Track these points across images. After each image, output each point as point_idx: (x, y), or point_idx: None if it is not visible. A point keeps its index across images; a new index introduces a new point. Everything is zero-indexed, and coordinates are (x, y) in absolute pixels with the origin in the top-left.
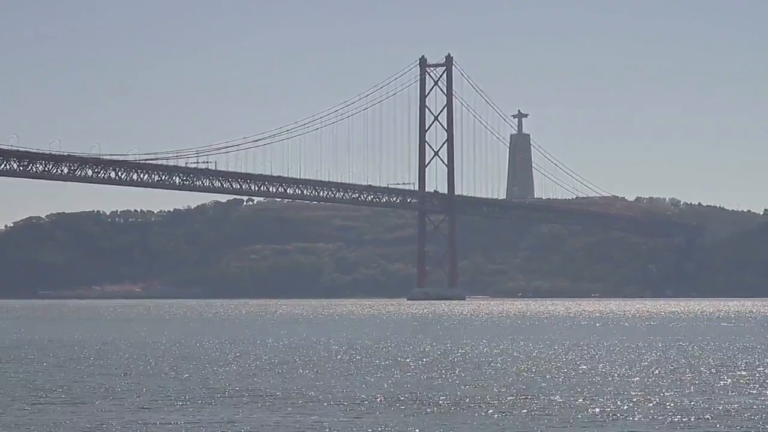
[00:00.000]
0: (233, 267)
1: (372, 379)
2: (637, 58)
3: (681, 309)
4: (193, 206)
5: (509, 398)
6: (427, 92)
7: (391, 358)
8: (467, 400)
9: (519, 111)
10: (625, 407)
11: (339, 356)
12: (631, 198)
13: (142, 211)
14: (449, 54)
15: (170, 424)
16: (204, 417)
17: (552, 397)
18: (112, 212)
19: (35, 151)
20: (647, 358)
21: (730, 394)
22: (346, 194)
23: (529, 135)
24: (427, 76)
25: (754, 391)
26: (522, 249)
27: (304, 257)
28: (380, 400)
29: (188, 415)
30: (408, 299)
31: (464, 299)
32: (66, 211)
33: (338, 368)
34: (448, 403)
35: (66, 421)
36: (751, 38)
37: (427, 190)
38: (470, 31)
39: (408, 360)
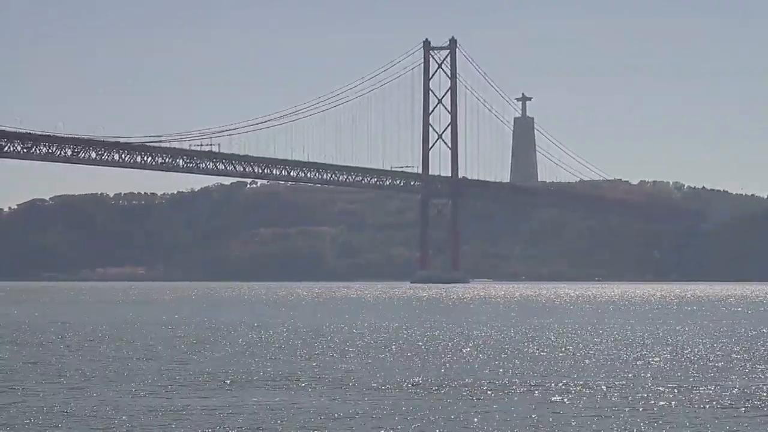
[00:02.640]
0: (236, 250)
1: (384, 362)
2: (641, 42)
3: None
4: (196, 189)
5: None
6: (431, 75)
7: (398, 342)
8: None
9: (523, 94)
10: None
11: (356, 339)
12: (634, 182)
13: (145, 193)
14: (453, 37)
15: (186, 408)
16: (216, 401)
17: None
18: (116, 195)
19: (39, 133)
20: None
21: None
22: (349, 177)
23: (533, 118)
24: (431, 59)
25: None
26: (525, 233)
27: (306, 241)
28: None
29: (204, 399)
30: (411, 282)
31: (468, 282)
32: (69, 194)
33: (350, 351)
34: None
35: (84, 405)
36: (756, 19)
37: (430, 173)
38: (474, 15)
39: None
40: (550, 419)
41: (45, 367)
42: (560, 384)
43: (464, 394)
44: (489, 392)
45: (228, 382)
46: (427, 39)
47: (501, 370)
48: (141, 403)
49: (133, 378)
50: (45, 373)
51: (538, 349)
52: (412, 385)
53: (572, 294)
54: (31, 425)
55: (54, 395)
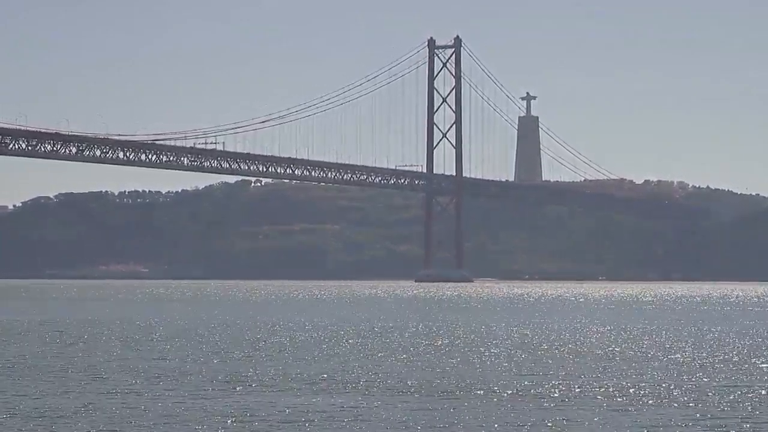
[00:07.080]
0: (240, 248)
1: (384, 363)
2: (647, 42)
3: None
4: (200, 187)
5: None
6: (435, 74)
7: (401, 343)
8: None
9: (527, 93)
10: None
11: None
12: (639, 181)
13: (149, 191)
14: (458, 35)
15: (206, 410)
16: (224, 402)
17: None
18: (120, 192)
19: (43, 130)
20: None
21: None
22: (354, 176)
23: (537, 117)
24: (436, 57)
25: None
26: (528, 231)
27: (310, 238)
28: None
29: (219, 400)
30: (415, 281)
31: (472, 281)
32: (74, 192)
33: (349, 352)
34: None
35: (95, 406)
36: (760, 21)
37: (435, 172)
38: (479, 13)
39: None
40: (565, 422)
41: (51, 364)
42: (574, 387)
43: (479, 396)
44: (502, 395)
45: (232, 383)
46: (431, 38)
47: (515, 372)
48: (154, 403)
49: (141, 378)
50: (54, 370)
51: (550, 351)
52: (439, 388)
53: (578, 293)
54: (52, 423)
55: (54, 397)
